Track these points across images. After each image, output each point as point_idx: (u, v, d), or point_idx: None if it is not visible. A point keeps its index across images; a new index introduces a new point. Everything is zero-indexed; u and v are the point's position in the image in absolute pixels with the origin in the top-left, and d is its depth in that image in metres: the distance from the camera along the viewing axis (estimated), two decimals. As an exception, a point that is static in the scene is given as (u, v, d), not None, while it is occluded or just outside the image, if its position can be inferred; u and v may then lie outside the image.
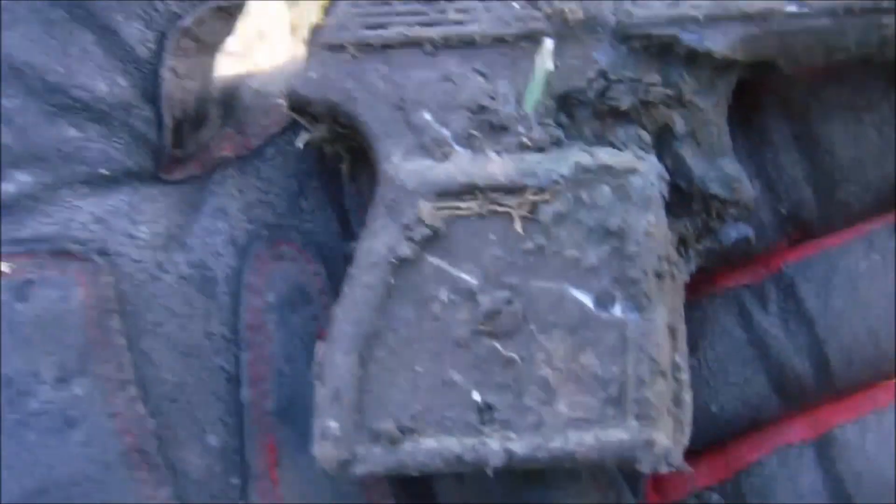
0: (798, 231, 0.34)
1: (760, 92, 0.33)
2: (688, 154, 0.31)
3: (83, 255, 0.31)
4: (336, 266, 0.33)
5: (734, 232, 0.32)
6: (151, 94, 0.32)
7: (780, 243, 0.34)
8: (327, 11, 0.33)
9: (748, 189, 0.31)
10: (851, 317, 0.33)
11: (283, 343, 0.33)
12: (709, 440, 0.34)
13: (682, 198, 0.32)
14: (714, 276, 0.34)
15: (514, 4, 0.31)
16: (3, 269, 0.31)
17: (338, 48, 0.32)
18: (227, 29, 0.35)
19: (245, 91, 0.36)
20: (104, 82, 0.32)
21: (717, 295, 0.34)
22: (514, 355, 0.29)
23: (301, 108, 0.32)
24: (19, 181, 0.31)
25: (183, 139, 0.34)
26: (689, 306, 0.32)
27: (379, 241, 0.30)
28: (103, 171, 0.32)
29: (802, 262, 0.34)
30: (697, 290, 0.34)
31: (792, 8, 0.30)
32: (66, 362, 0.31)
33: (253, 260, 0.33)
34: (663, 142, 0.32)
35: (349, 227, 0.34)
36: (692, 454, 0.31)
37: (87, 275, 0.31)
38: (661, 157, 0.31)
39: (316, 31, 0.32)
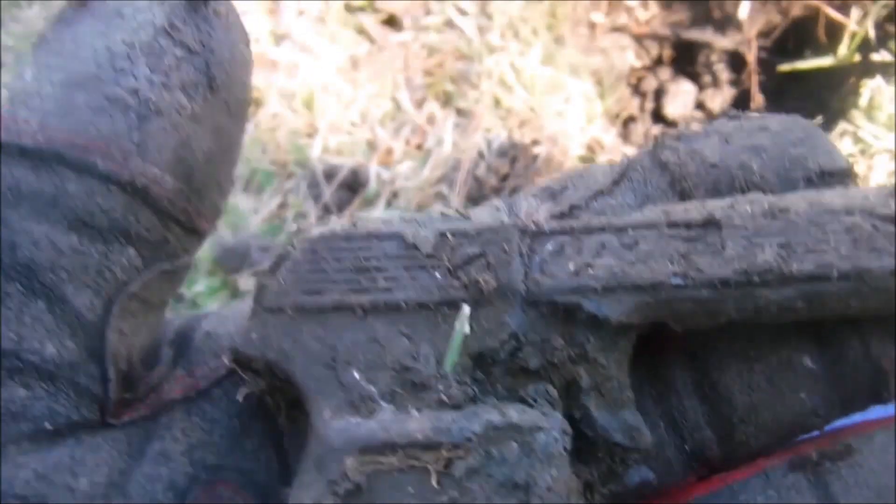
0: (704, 467, 0.37)
1: (664, 345, 0.36)
2: (592, 406, 0.34)
3: None
4: None
5: (637, 476, 0.35)
6: (98, 352, 0.35)
7: (688, 479, 0.37)
8: (271, 272, 0.36)
9: (647, 438, 0.34)
10: None
11: None
12: None
13: (589, 445, 0.34)
14: None
15: (436, 274, 0.35)
16: None
17: (278, 311, 0.35)
18: (174, 287, 0.38)
19: (197, 333, 0.39)
20: (53, 345, 0.34)
21: None
22: None
23: (242, 364, 0.35)
24: None
25: (134, 384, 0.36)
26: None
27: (306, 495, 0.32)
28: (48, 426, 0.34)
29: (708, 497, 0.36)
30: None
31: (677, 281, 0.33)
32: None
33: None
34: (571, 395, 0.34)
35: (288, 467, 0.36)
36: None
37: None
38: (569, 409, 0.34)
39: (260, 292, 0.35)
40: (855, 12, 1.69)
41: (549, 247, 0.35)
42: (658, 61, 1.87)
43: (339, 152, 1.81)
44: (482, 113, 1.83)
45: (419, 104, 1.88)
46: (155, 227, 0.36)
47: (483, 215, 0.37)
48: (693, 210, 0.35)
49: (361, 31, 1.93)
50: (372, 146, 1.81)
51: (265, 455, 0.37)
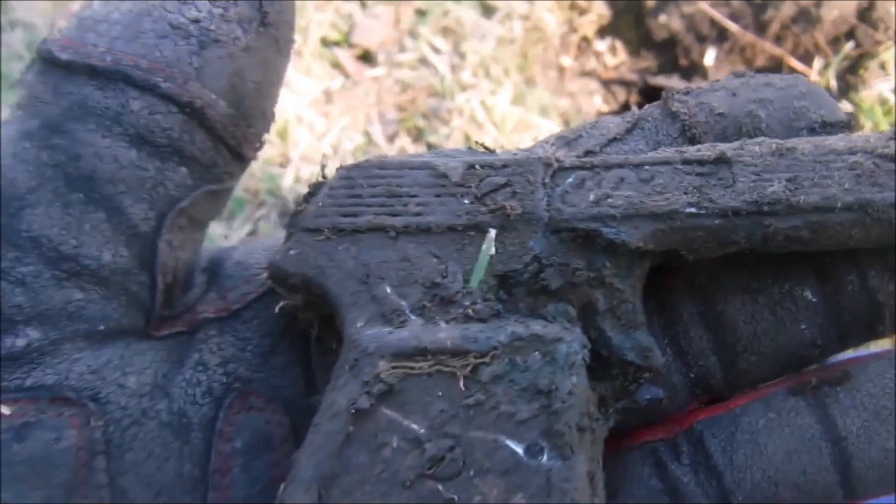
0: (707, 394, 0.39)
1: (672, 276, 0.39)
2: (608, 327, 0.37)
3: (78, 401, 0.35)
4: (299, 418, 0.38)
5: (647, 393, 0.37)
6: (148, 262, 0.37)
7: (692, 404, 0.39)
8: (307, 199, 0.38)
9: (658, 357, 0.37)
10: (753, 468, 0.37)
11: (244, 485, 0.37)
12: None
13: (603, 364, 0.37)
14: (635, 432, 0.39)
15: (465, 201, 0.37)
16: (3, 410, 0.35)
17: (315, 231, 0.37)
18: (218, 208, 0.40)
19: (228, 262, 0.41)
20: (109, 252, 0.37)
21: (636, 447, 0.39)
22: (454, 496, 0.33)
23: (280, 279, 0.37)
24: (29, 336, 0.36)
25: (172, 301, 0.39)
26: (611, 457, 0.37)
27: (341, 395, 0.34)
28: (101, 328, 0.37)
29: (711, 419, 0.38)
30: (620, 444, 0.38)
31: (691, 210, 0.36)
32: (52, 497, 0.34)
33: (226, 409, 0.38)
34: (587, 316, 0.37)
35: (313, 384, 0.38)
36: None
37: (80, 419, 0.35)
38: (585, 329, 0.36)
39: (297, 215, 0.38)
40: (817, 63, 1.77)
41: (571, 179, 0.37)
42: (625, 106, 1.92)
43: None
44: (453, 148, 1.87)
45: (391, 138, 1.91)
46: (207, 149, 0.38)
47: (506, 154, 0.40)
48: (705, 149, 0.38)
49: (336, 66, 1.96)
50: (344, 177, 1.83)
51: (292, 373, 0.39)
